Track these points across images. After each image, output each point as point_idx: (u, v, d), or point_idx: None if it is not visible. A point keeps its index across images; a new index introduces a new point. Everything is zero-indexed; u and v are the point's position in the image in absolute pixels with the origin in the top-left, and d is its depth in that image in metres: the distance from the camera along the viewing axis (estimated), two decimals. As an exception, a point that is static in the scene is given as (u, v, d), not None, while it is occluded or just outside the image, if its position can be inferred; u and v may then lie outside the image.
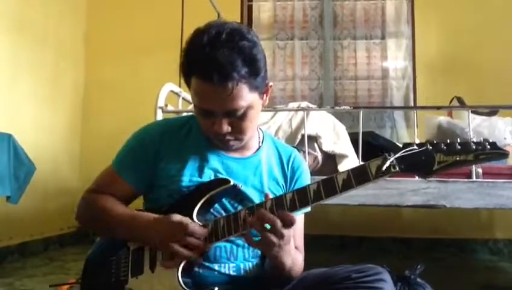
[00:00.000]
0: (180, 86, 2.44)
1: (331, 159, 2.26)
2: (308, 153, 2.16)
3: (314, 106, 2.55)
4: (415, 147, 0.94)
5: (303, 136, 2.18)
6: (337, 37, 4.04)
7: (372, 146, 2.34)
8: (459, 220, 3.49)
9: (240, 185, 1.11)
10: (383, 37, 3.97)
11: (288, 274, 1.08)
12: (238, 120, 1.06)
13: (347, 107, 2.43)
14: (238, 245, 1.12)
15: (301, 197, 0.97)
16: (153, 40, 3.85)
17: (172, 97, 2.46)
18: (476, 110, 2.68)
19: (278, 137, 2.22)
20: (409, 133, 3.76)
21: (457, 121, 2.69)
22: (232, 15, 3.53)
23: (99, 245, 1.20)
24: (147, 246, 1.09)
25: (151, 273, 1.06)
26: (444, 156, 0.91)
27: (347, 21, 4.03)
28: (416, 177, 1.96)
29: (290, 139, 2.26)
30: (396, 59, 3.95)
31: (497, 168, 2.13)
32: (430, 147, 0.92)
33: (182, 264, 1.03)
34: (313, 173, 1.96)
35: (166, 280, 1.03)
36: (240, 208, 1.10)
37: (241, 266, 1.12)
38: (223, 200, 1.11)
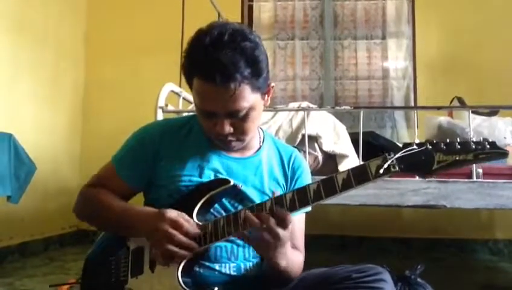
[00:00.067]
0: (180, 86, 2.44)
1: (331, 159, 2.25)
2: (309, 153, 2.16)
3: (314, 106, 2.55)
4: (415, 146, 0.94)
5: (303, 136, 2.18)
6: (337, 37, 4.03)
7: (372, 146, 2.33)
8: (459, 220, 3.49)
9: (240, 185, 1.11)
10: (383, 37, 3.97)
11: (286, 275, 1.08)
12: (240, 121, 1.06)
13: (347, 107, 2.43)
14: (238, 245, 1.12)
15: (301, 196, 0.97)
16: (153, 40, 3.85)
17: (173, 97, 2.46)
18: (476, 111, 2.68)
19: (278, 137, 2.22)
20: (409, 133, 3.75)
21: (457, 121, 2.69)
22: (232, 15, 3.53)
23: (99, 245, 1.20)
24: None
25: (151, 273, 1.06)
26: (444, 155, 0.91)
27: (348, 21, 4.03)
28: (417, 178, 1.96)
29: (291, 139, 2.25)
30: (396, 59, 3.95)
31: (498, 169, 2.13)
32: (430, 147, 0.92)
33: (182, 264, 1.03)
34: (314, 173, 1.96)
35: (166, 280, 1.03)
36: (240, 208, 1.10)
37: (242, 265, 1.12)
38: (223, 200, 1.11)
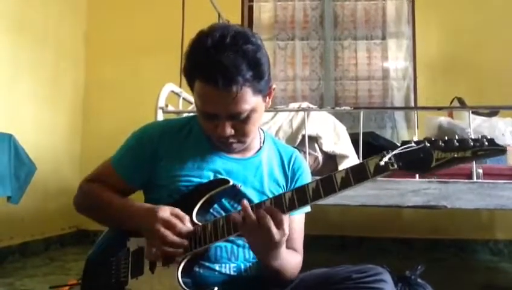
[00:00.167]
0: (180, 86, 2.44)
1: (331, 160, 2.25)
2: (309, 153, 2.16)
3: (314, 107, 2.55)
4: (413, 144, 0.93)
5: (303, 136, 2.18)
6: (337, 37, 4.04)
7: (372, 146, 2.33)
8: (460, 220, 3.49)
9: (239, 185, 1.11)
10: (383, 38, 3.97)
11: (281, 275, 1.08)
12: (241, 123, 1.06)
13: (348, 108, 2.44)
14: (238, 245, 1.12)
15: (300, 196, 0.97)
16: (153, 40, 3.85)
17: (173, 97, 2.46)
18: (476, 111, 2.68)
19: (278, 137, 2.22)
20: (409, 134, 3.75)
21: (457, 122, 2.69)
22: (232, 15, 3.53)
23: (100, 245, 1.20)
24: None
25: (151, 274, 1.06)
26: (442, 153, 0.90)
27: (348, 21, 4.03)
28: (417, 178, 1.96)
29: (291, 139, 2.25)
30: (396, 59, 3.95)
31: (498, 169, 2.13)
32: (428, 144, 0.92)
33: (182, 265, 1.03)
34: (314, 173, 1.96)
35: (166, 281, 1.03)
36: (239, 208, 1.09)
37: (242, 266, 1.12)
38: (223, 200, 1.11)
